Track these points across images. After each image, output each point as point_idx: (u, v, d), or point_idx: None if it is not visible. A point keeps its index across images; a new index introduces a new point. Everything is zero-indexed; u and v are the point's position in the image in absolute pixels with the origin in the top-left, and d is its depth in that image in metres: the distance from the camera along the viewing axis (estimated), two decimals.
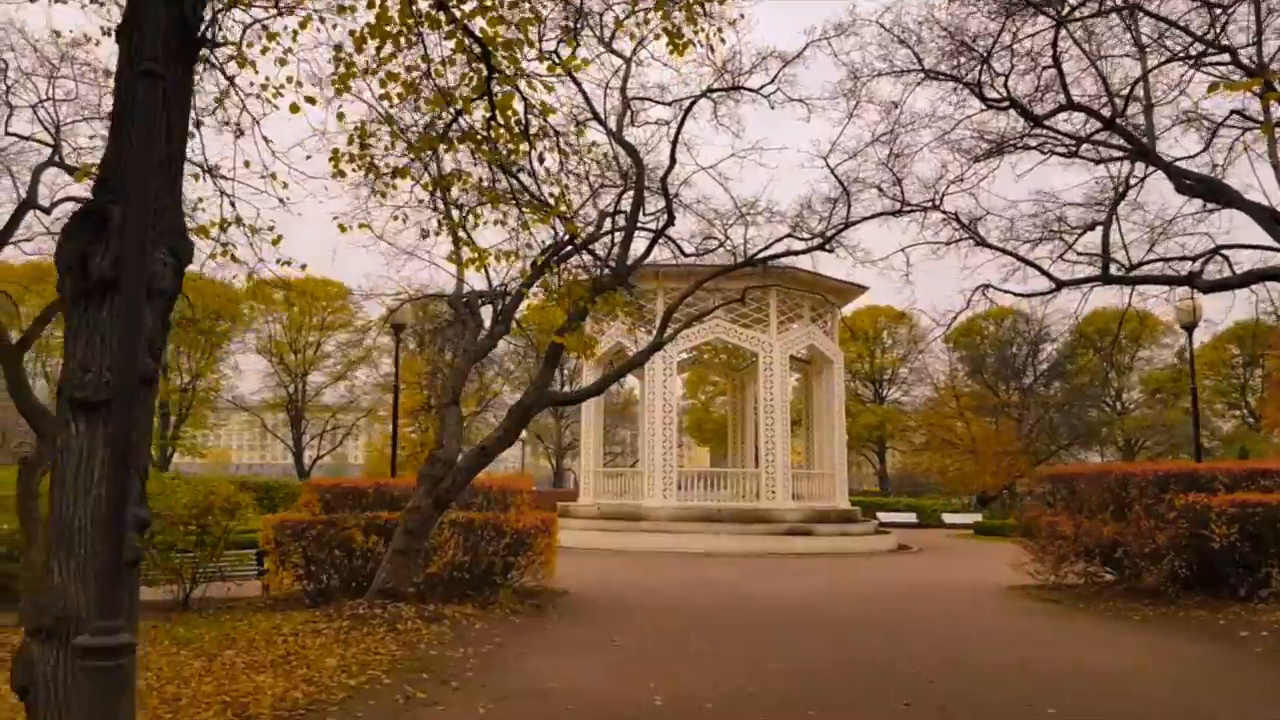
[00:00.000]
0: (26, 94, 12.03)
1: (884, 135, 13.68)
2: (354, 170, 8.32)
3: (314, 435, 59.59)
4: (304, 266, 11.13)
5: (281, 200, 10.40)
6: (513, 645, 10.20)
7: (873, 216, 14.54)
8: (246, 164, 8.55)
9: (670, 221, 13.13)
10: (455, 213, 9.94)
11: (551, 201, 9.35)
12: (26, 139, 12.18)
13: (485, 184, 9.83)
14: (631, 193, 13.23)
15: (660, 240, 13.81)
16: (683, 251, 15.40)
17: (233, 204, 11.00)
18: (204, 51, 9.71)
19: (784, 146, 28.66)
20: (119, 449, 4.27)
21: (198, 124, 10.54)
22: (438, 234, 10.06)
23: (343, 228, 9.21)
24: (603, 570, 19.66)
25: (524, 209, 9.11)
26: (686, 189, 15.42)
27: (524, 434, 55.23)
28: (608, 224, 13.54)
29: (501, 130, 8.51)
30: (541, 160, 8.09)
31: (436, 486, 11.55)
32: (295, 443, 58.17)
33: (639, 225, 13.95)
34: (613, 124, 13.14)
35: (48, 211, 11.79)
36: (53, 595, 4.72)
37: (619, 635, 10.94)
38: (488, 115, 8.56)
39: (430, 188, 8.84)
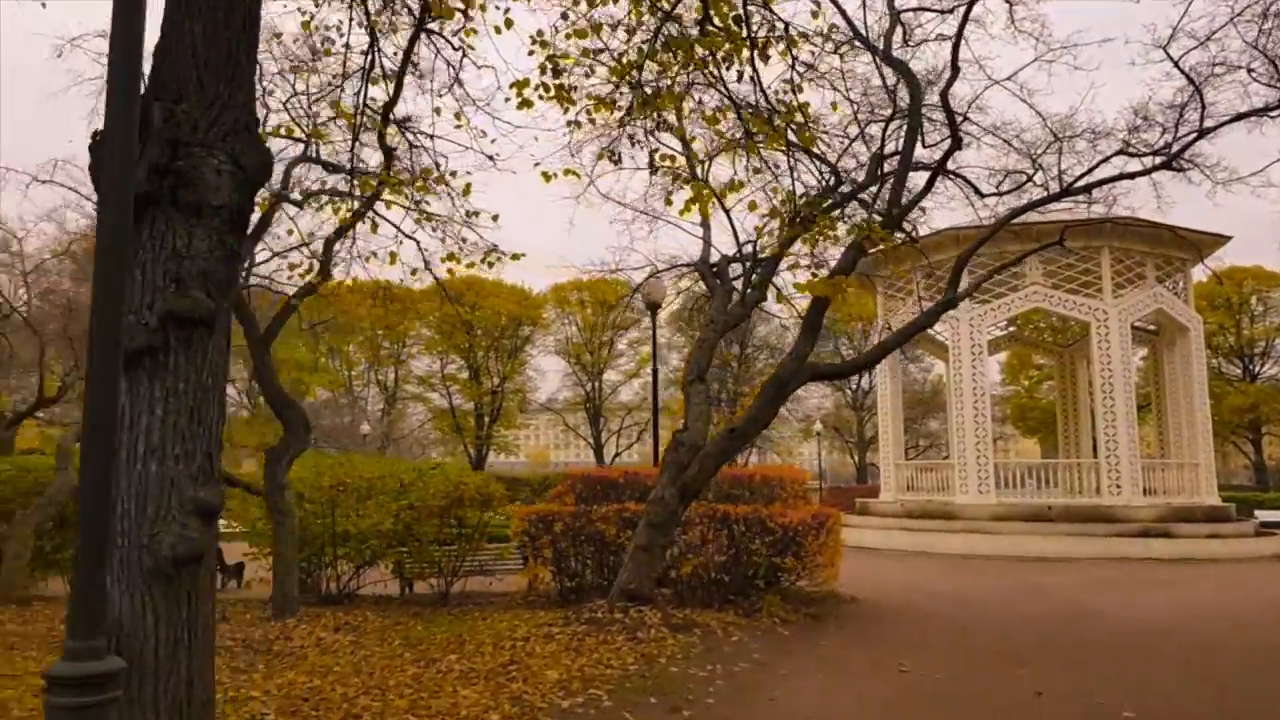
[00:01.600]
0: (282, 91, 12.15)
1: (1252, 3, 10.17)
2: (542, 98, 7.05)
3: (613, 432, 61.28)
4: (495, 217, 10.25)
5: (491, 158, 9.54)
6: (774, 664, 8.43)
7: (1238, 118, 11.00)
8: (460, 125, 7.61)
9: (955, 145, 10.67)
10: (683, 158, 8.41)
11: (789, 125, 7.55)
12: (283, 136, 12.36)
13: (707, 110, 8.23)
14: (904, 124, 10.96)
15: (946, 175, 11.36)
16: (978, 191, 12.71)
17: (435, 161, 10.40)
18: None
19: (1108, 38, 23.02)
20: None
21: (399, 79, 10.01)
22: (671, 183, 8.65)
23: (546, 176, 8.03)
24: (903, 575, 17.23)
25: (751, 129, 7.38)
26: (978, 113, 12.71)
27: (820, 427, 53.16)
28: (851, 179, 11.37)
29: (718, 35, 6.86)
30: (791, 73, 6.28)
31: (681, 474, 10.08)
32: (595, 440, 60.16)
33: (916, 163, 11.63)
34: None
35: (300, 206, 11.87)
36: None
37: (910, 658, 8.78)
38: (700, 16, 6.96)
39: (639, 116, 7.34)
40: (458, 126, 10.55)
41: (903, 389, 54.58)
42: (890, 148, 11.74)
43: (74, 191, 17.38)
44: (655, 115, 7.45)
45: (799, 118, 7.12)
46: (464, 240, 14.43)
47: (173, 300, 3.62)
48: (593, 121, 7.74)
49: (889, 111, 11.38)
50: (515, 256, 9.95)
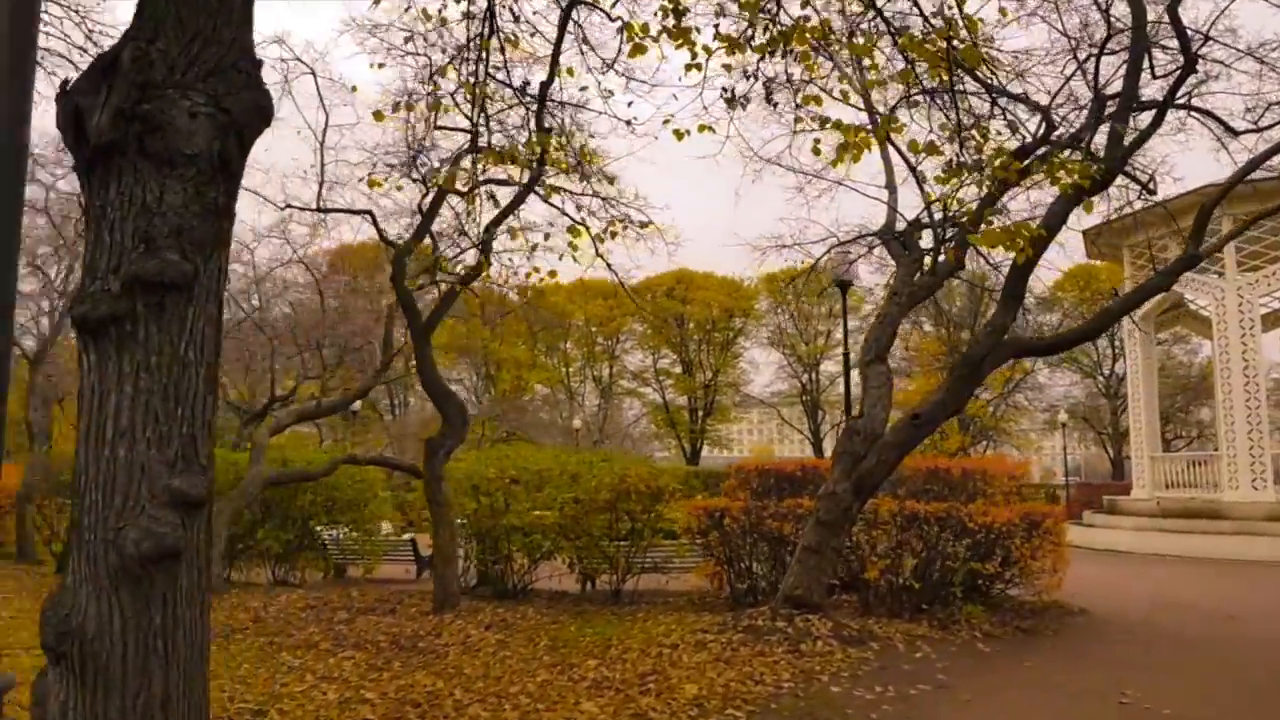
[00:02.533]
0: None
1: None
2: (656, 39, 6.24)
3: (833, 425, 59.19)
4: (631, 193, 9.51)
5: (628, 122, 8.87)
6: (959, 686, 7.16)
7: None
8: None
9: (1188, 69, 8.76)
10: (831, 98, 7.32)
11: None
12: (451, 129, 12.34)
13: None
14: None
15: (1180, 109, 9.42)
16: (1230, 129, 10.53)
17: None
18: None
19: None
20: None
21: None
22: (818, 128, 7.54)
23: (679, 134, 7.20)
24: (1153, 584, 14.87)
25: (908, 52, 6.18)
26: (1227, 36, 10.50)
27: (1065, 418, 48.24)
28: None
29: None
30: None
31: (855, 467, 8.92)
32: (813, 434, 58.37)
33: (1146, 101, 9.77)
34: None
35: (463, 196, 11.76)
36: (57, 602, 3.39)
37: (1137, 686, 7.19)
38: None
39: (771, 49, 6.33)
40: (606, 98, 10.03)
41: (1164, 373, 48.91)
42: (1115, 89, 9.94)
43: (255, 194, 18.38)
44: (795, 50, 6.42)
45: (964, 33, 5.85)
46: (628, 220, 13.96)
47: (139, 263, 3.16)
48: (727, 68, 6.83)
49: (1104, 36, 9.57)
50: (644, 225, 9.25)
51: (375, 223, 11.42)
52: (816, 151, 6.86)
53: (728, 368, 61.33)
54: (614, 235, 10.77)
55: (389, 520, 15.81)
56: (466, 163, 12.37)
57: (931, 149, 6.62)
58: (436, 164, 11.51)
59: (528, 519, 11.23)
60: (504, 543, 11.95)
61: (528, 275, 10.29)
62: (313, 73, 11.67)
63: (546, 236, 9.93)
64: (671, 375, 63.12)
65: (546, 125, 11.15)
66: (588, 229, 9.96)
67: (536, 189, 12.71)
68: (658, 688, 6.71)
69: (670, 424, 61.91)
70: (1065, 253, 36.70)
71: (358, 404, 28.21)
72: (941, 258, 10.85)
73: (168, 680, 3.12)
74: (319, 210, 11.19)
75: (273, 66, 11.34)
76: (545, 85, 10.87)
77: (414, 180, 11.46)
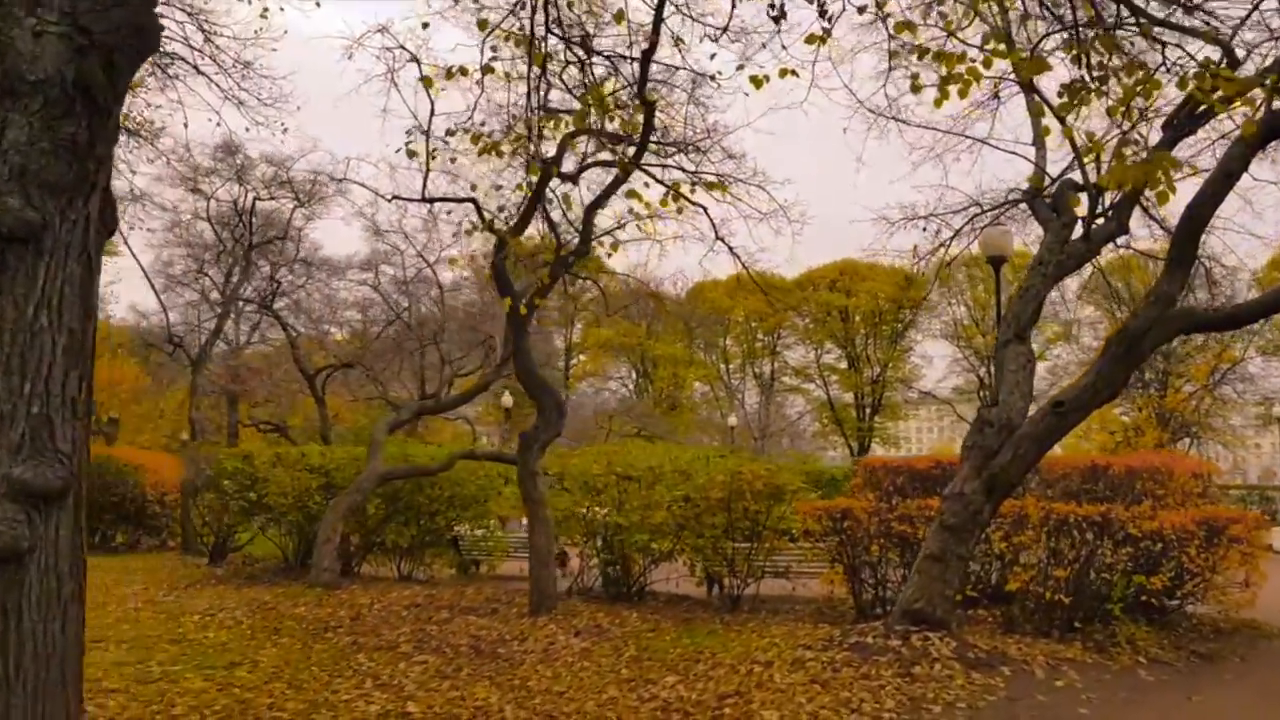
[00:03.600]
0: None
1: None
2: None
3: None
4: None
5: (713, 78, 8.01)
6: None
7: None
8: None
9: None
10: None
11: None
12: (563, 111, 11.91)
13: None
14: None
15: None
16: None
17: None
18: None
19: None
20: None
21: None
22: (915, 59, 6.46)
23: (756, 81, 6.30)
24: None
25: None
26: None
27: None
28: None
29: None
30: None
31: (987, 463, 7.68)
32: None
33: None
34: None
35: (573, 181, 11.26)
36: None
37: None
38: None
39: None
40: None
41: None
42: None
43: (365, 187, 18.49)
44: None
45: None
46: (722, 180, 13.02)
47: None
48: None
49: None
50: (710, 186, 8.38)
51: (479, 209, 11.07)
52: (916, 89, 5.77)
53: (897, 362, 58.48)
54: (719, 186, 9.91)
55: (516, 516, 15.54)
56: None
57: (1077, 93, 5.40)
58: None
59: (634, 517, 10.55)
60: (618, 542, 11.34)
61: (613, 248, 9.60)
62: (416, 60, 11.51)
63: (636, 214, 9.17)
64: (837, 371, 60.88)
65: (649, 98, 10.47)
66: (684, 195, 9.11)
67: (644, 168, 12.07)
68: (734, 713, 5.87)
69: (836, 421, 59.68)
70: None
71: (509, 399, 28.45)
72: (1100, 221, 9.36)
73: (7, 707, 2.63)
74: (424, 200, 10.95)
75: (376, 56, 11.23)
76: (647, 53, 10.17)
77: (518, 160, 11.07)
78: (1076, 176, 9.57)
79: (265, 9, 10.44)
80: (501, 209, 11.31)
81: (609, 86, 11.32)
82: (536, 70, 8.46)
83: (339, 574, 11.49)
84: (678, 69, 8.70)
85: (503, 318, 25.62)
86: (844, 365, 60.14)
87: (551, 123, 9.71)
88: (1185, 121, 8.74)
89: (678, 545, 11.27)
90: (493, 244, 10.98)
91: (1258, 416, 46.38)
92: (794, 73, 6.51)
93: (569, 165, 12.47)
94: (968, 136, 10.02)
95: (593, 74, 10.23)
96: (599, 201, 10.63)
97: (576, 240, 10.27)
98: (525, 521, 13.50)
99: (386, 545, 13.59)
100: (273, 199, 20.57)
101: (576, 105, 11.44)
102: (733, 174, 13.01)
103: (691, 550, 11.16)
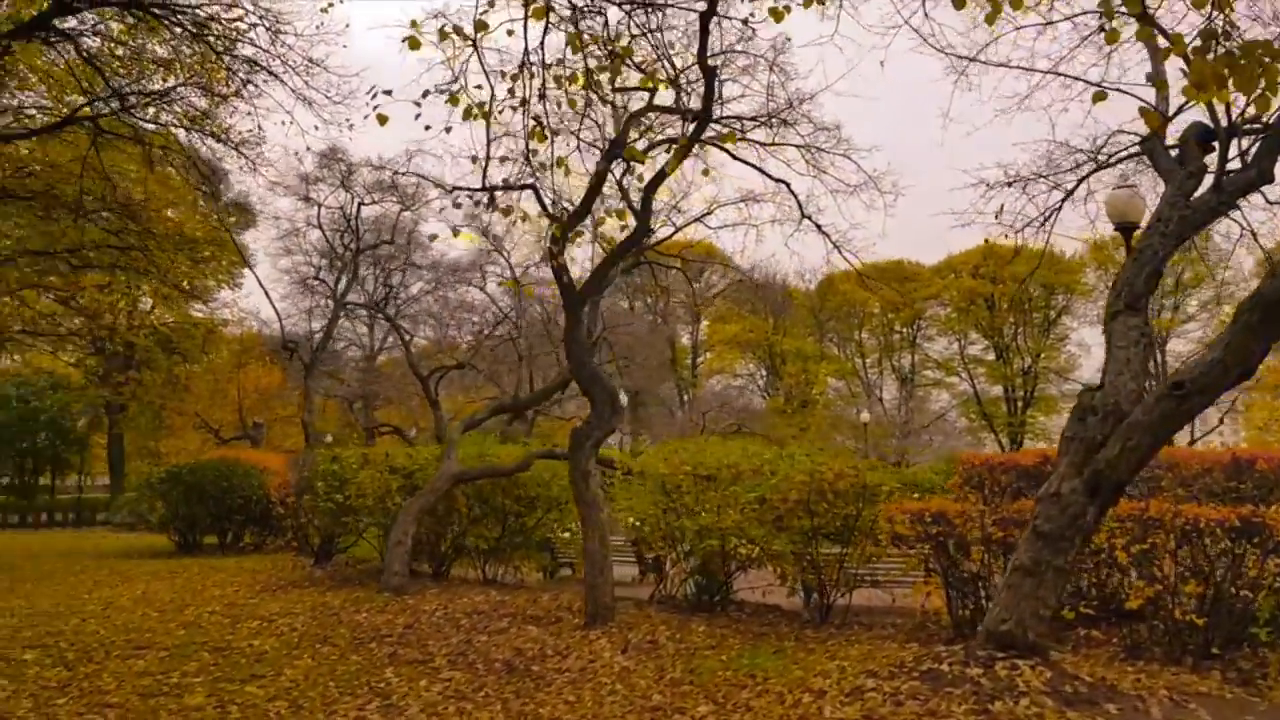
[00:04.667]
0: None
1: None
2: None
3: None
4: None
5: (745, 21, 7.10)
6: None
7: None
8: None
9: None
10: None
11: None
12: (631, 89, 11.23)
13: None
14: None
15: None
16: None
17: None
18: None
19: None
20: None
21: None
22: None
23: (776, 13, 5.40)
24: None
25: None
26: None
27: None
28: None
29: None
30: None
31: (1090, 458, 6.45)
32: None
33: None
34: None
35: (640, 160, 10.53)
36: None
37: None
38: None
39: None
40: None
41: None
42: None
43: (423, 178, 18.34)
44: None
45: None
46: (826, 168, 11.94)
47: None
48: None
49: None
50: (725, 138, 7.43)
51: (539, 195, 10.55)
52: (961, 4, 4.78)
53: (1051, 352, 54.75)
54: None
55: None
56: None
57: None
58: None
59: (705, 520, 9.73)
60: (697, 548, 10.54)
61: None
62: (475, 45, 11.11)
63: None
64: (984, 363, 57.58)
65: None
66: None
67: (715, 143, 11.24)
68: None
69: (984, 416, 56.36)
70: None
71: (624, 396, 27.98)
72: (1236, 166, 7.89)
73: None
74: (484, 190, 10.51)
75: (432, 43, 10.90)
76: (705, 16, 9.39)
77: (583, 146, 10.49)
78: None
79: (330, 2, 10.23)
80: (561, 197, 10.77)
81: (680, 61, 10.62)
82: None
83: (409, 578, 11.17)
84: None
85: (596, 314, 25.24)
86: (991, 356, 56.82)
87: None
88: None
89: (752, 550, 10.38)
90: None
91: None
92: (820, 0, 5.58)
93: (641, 146, 11.82)
94: (1065, 75, 8.67)
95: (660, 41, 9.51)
96: (657, 180, 9.89)
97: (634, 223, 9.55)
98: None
99: (470, 548, 13.25)
100: (375, 203, 20.87)
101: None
102: (818, 144, 12.05)
103: (773, 556, 10.23)
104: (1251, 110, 3.69)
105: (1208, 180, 7.71)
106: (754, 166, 12.59)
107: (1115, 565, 7.39)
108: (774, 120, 12.07)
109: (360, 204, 20.71)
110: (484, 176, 10.65)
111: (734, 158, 11.77)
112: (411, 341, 24.70)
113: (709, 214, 16.65)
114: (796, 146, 12.26)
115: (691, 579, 11.20)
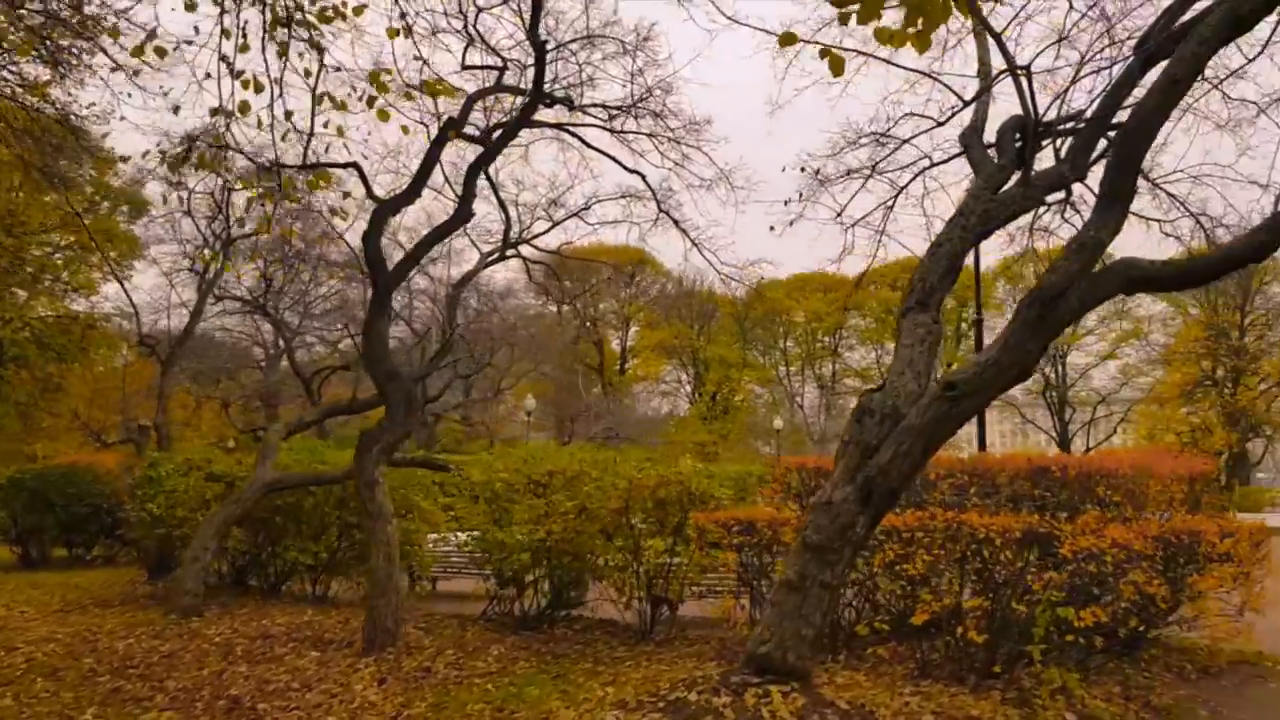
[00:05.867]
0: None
1: None
2: None
3: (1081, 424, 51.85)
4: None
5: None
6: None
7: None
8: None
9: None
10: None
11: None
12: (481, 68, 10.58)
13: None
14: None
15: None
16: None
17: None
18: None
19: None
20: None
21: None
22: None
23: None
24: None
25: None
26: None
27: None
28: None
29: None
30: None
31: (865, 463, 5.99)
32: (1060, 433, 51.32)
33: None
34: None
35: (482, 144, 9.88)
36: None
37: None
38: None
39: None
40: None
41: None
42: None
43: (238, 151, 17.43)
44: None
45: None
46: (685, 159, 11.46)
47: None
48: None
49: None
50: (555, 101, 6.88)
51: (363, 176, 9.84)
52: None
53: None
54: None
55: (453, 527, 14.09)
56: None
57: None
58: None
59: (517, 534, 9.09)
60: (507, 562, 9.85)
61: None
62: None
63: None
64: None
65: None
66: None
67: (551, 125, 10.74)
68: None
69: None
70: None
71: (532, 401, 27.20)
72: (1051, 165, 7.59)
73: None
74: (305, 168, 9.73)
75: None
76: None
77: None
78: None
79: None
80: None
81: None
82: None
83: (201, 599, 10.17)
84: None
85: (489, 322, 24.43)
86: None
87: None
88: (1162, 41, 6.87)
89: (593, 562, 9.77)
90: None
91: None
92: None
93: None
94: (888, 61, 8.26)
95: None
96: (478, 164, 9.27)
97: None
98: (462, 534, 12.18)
99: (289, 564, 12.27)
100: (247, 188, 19.69)
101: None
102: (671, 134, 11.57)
103: (597, 569, 9.64)
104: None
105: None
106: (609, 156, 12.09)
107: (911, 578, 6.95)
108: (638, 109, 11.57)
109: (229, 189, 19.54)
110: (305, 153, 9.90)
111: (590, 146, 11.28)
112: (294, 340, 23.58)
113: (586, 209, 16.08)
114: (649, 135, 11.77)
115: (537, 594, 10.54)
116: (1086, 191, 8.54)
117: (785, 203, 9.60)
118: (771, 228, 9.56)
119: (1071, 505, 7.44)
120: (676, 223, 11.74)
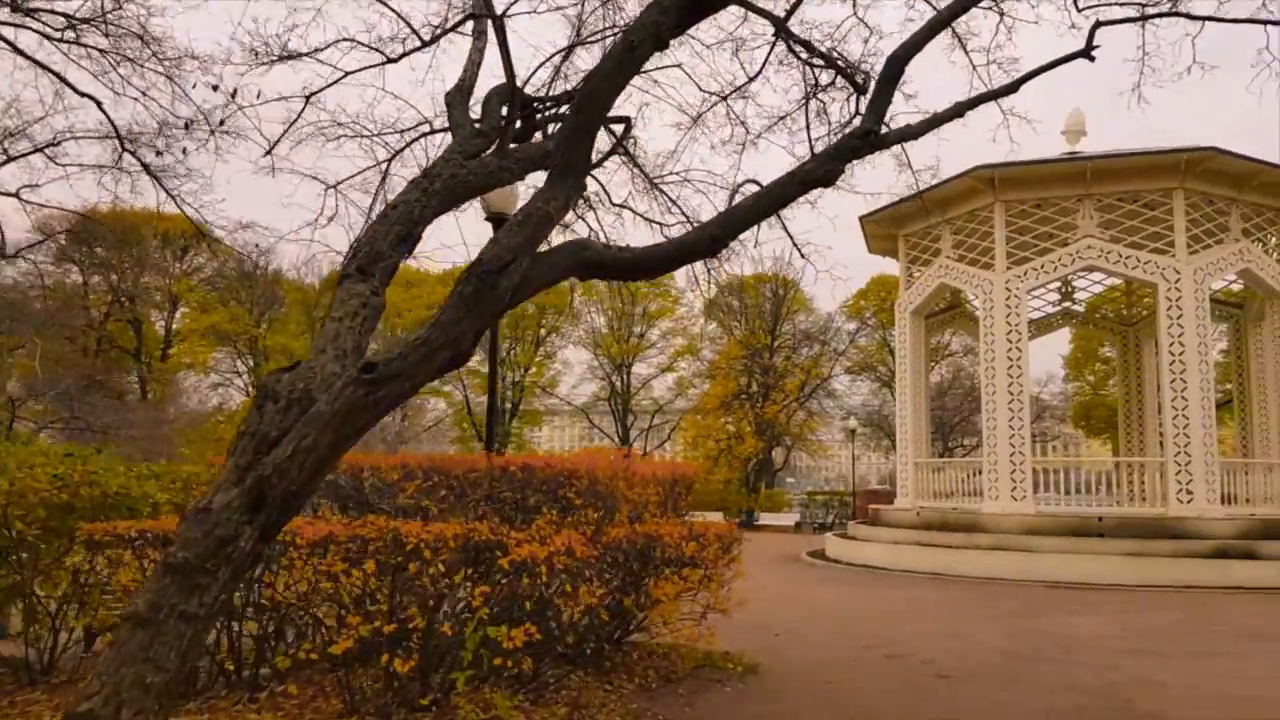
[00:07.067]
0: None
1: None
2: None
3: (641, 431, 55.99)
4: None
5: None
6: None
7: None
8: None
9: None
10: None
11: None
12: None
13: None
14: None
15: None
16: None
17: None
18: None
19: None
20: None
21: None
22: None
23: None
24: (882, 616, 11.76)
25: None
26: None
27: (856, 426, 46.09)
28: None
29: None
30: None
31: (260, 460, 4.80)
32: (623, 438, 54.89)
33: None
34: None
35: None
36: None
37: None
38: None
39: None
40: None
41: (955, 383, 47.90)
42: None
43: None
44: None
45: None
46: None
47: None
48: None
49: None
50: None
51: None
52: None
53: (540, 367, 57.21)
54: None
55: None
56: None
57: None
58: None
59: None
60: None
61: None
62: None
63: None
64: (479, 374, 58.32)
65: None
66: None
67: None
68: None
69: (474, 426, 56.96)
70: (857, 259, 34.33)
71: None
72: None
73: None
74: None
75: None
76: None
77: None
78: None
79: None
80: None
81: None
82: None
83: None
84: None
85: None
86: (485, 369, 57.81)
87: None
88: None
89: None
90: None
91: (844, 430, 50.33)
92: None
93: None
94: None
95: None
96: None
97: None
98: None
99: None
100: None
101: None
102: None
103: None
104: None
105: None
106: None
107: (339, 600, 5.87)
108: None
109: None
110: None
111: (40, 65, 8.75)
112: None
113: (55, 144, 13.00)
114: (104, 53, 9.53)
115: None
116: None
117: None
118: None
119: (534, 509, 6.96)
120: (146, 167, 9.67)
